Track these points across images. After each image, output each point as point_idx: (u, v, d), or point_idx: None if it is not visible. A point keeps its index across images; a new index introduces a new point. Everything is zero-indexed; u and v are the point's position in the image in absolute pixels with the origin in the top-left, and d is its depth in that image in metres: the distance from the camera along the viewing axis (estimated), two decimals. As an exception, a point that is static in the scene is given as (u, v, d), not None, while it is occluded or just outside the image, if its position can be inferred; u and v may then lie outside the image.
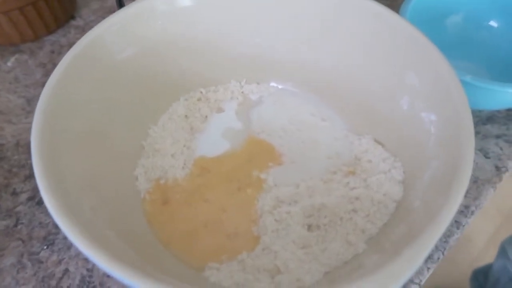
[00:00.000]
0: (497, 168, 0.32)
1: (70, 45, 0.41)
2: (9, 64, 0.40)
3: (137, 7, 0.27)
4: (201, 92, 0.32)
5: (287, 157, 0.29)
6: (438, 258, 0.27)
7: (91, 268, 0.27)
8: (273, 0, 0.29)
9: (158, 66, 0.30)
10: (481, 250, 0.95)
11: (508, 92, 0.28)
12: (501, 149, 0.33)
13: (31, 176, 0.32)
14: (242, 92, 0.33)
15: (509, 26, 0.37)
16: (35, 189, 0.31)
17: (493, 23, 0.37)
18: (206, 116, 0.31)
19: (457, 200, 0.18)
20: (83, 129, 0.25)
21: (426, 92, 0.24)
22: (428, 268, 0.27)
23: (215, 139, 0.30)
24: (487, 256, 0.93)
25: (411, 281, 0.26)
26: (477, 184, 0.31)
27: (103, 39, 0.26)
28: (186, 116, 0.31)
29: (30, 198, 0.30)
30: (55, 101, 0.22)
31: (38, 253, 0.28)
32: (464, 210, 0.29)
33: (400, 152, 0.27)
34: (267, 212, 0.26)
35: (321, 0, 0.28)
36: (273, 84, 0.33)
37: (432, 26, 0.35)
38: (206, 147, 0.30)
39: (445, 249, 0.28)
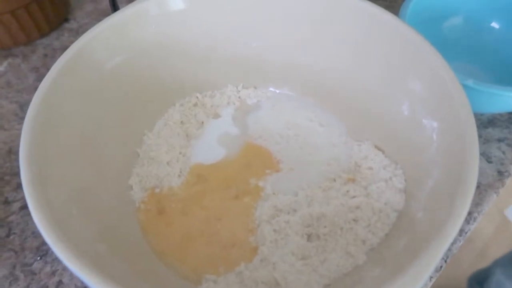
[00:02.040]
0: (500, 172, 0.31)
1: (64, 48, 0.40)
2: (1, 68, 0.39)
3: (131, 11, 0.26)
4: (197, 97, 0.32)
5: (285, 163, 0.29)
6: (441, 267, 0.27)
7: (85, 280, 0.26)
8: (269, 3, 0.28)
9: (153, 70, 0.29)
10: (481, 250, 0.95)
11: (510, 96, 0.28)
12: (503, 153, 0.32)
13: (23, 184, 0.31)
14: (239, 97, 0.32)
15: (510, 28, 0.36)
16: (28, 198, 0.30)
17: (494, 25, 0.37)
18: (202, 122, 0.31)
19: (462, 212, 0.17)
20: (74, 138, 0.24)
21: (428, 98, 0.24)
22: (431, 277, 0.26)
23: (211, 146, 0.30)
24: (487, 255, 0.93)
25: (413, 290, 0.26)
26: (480, 190, 0.30)
27: (95, 45, 0.25)
28: (181, 122, 0.30)
29: (22, 207, 0.30)
30: (45, 110, 0.22)
31: (31, 264, 0.27)
32: (467, 217, 0.29)
33: (400, 159, 0.26)
34: (265, 221, 0.25)
35: (320, 4, 0.27)
36: (270, 88, 0.33)
37: (432, 28, 0.35)
38: (202, 154, 0.29)
39: (448, 257, 0.27)
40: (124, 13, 0.26)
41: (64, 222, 0.19)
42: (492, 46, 0.36)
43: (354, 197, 0.25)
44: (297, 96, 0.32)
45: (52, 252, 0.28)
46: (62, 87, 0.23)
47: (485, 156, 0.32)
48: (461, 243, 0.28)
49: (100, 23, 0.25)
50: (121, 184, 0.27)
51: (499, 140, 0.33)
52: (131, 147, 0.29)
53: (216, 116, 0.31)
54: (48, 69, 0.38)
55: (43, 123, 0.21)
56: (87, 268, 0.16)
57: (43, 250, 0.28)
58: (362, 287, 0.19)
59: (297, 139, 0.30)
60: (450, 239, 0.17)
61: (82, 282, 0.26)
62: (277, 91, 0.32)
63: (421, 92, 0.24)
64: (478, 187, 0.30)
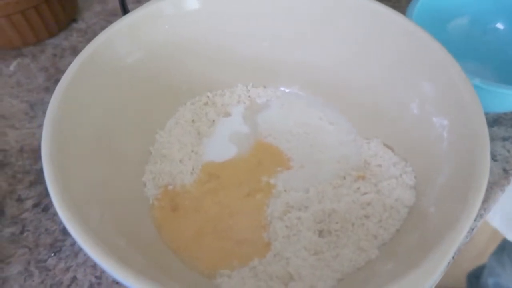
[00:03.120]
0: (505, 170, 0.32)
1: (72, 48, 0.41)
2: (11, 68, 0.39)
3: (145, 11, 0.27)
4: (208, 96, 0.32)
5: (296, 161, 0.29)
6: (448, 263, 0.27)
7: (100, 276, 0.27)
8: (280, 4, 0.29)
9: (165, 70, 0.30)
10: (481, 249, 0.95)
11: (515, 95, 0.28)
12: (508, 151, 0.33)
13: (36, 182, 0.31)
14: (249, 96, 0.33)
15: (515, 29, 0.37)
16: (41, 195, 0.30)
17: (499, 26, 0.37)
18: (213, 121, 0.31)
19: (475, 207, 0.18)
20: (91, 136, 0.24)
21: (437, 96, 0.24)
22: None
23: (222, 144, 0.30)
24: (487, 254, 0.94)
25: None
26: (485, 188, 0.31)
27: (111, 44, 0.26)
28: (193, 120, 0.31)
29: (35, 205, 0.30)
30: (64, 108, 0.22)
31: (45, 260, 0.28)
32: (473, 214, 0.29)
33: (410, 156, 0.27)
34: (277, 218, 0.26)
35: (331, 4, 0.28)
36: (280, 87, 0.33)
37: (437, 28, 0.35)
38: (213, 152, 0.30)
39: (455, 253, 0.28)
40: (139, 13, 0.26)
41: (84, 215, 0.19)
42: (497, 47, 0.37)
43: (365, 193, 0.26)
44: (307, 95, 0.32)
45: (66, 249, 0.28)
46: (80, 86, 0.24)
47: (491, 155, 0.32)
48: (468, 239, 0.29)
49: (116, 22, 0.26)
50: (136, 181, 0.28)
51: (504, 139, 0.33)
52: (144, 145, 0.29)
53: (227, 114, 0.32)
54: (57, 69, 0.39)
55: (62, 120, 0.22)
56: (110, 258, 0.17)
57: (57, 247, 0.28)
58: (375, 281, 0.19)
59: (307, 138, 0.30)
60: (463, 233, 0.17)
61: (96, 278, 0.27)
62: (287, 90, 0.33)
63: (431, 91, 0.25)
64: (484, 184, 0.31)
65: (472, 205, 0.18)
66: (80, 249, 0.28)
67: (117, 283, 0.27)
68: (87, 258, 0.28)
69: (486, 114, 0.34)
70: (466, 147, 0.21)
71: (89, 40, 0.26)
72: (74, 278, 0.27)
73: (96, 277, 0.27)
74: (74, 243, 0.28)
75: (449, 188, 0.21)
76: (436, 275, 0.16)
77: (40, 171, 0.32)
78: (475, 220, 0.29)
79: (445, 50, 0.24)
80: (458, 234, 0.17)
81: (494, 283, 0.66)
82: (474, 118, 0.21)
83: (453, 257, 0.27)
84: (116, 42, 0.26)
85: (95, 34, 0.41)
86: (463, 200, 0.18)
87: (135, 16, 0.26)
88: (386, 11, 0.26)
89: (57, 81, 0.23)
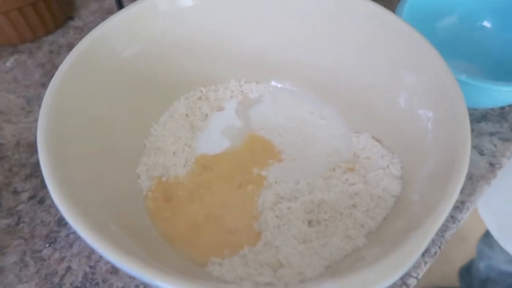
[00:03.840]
0: (491, 164, 0.32)
1: (69, 45, 0.42)
2: (8, 64, 0.40)
3: (139, 7, 0.27)
4: (201, 91, 0.33)
5: (287, 154, 0.30)
6: (435, 253, 0.28)
7: (94, 265, 0.27)
8: (273, 2, 0.30)
9: (159, 65, 0.30)
10: (474, 248, 0.96)
11: (501, 90, 0.29)
12: (495, 146, 0.33)
13: (31, 175, 0.32)
14: (242, 91, 0.33)
15: (501, 27, 0.37)
16: (36, 188, 0.31)
17: (486, 24, 0.38)
18: (207, 115, 0.32)
19: (454, 194, 0.18)
20: (86, 128, 0.25)
21: (423, 90, 0.25)
22: (426, 262, 0.27)
23: (215, 137, 0.31)
24: (481, 254, 0.94)
25: (409, 274, 0.27)
26: (472, 181, 0.31)
27: (106, 38, 0.26)
28: (187, 114, 0.32)
29: (31, 197, 0.31)
30: (58, 102, 0.23)
31: (41, 251, 0.28)
32: (460, 206, 0.30)
33: (397, 148, 0.27)
34: (268, 208, 0.26)
35: (322, 2, 0.28)
36: (272, 83, 0.34)
37: (427, 26, 0.36)
38: (207, 145, 0.30)
39: (441, 243, 0.28)
40: (134, 9, 0.27)
41: (80, 202, 0.20)
42: (485, 44, 0.38)
43: (353, 184, 0.27)
44: (299, 91, 0.33)
45: (61, 240, 0.29)
46: (75, 79, 0.24)
47: (478, 149, 0.33)
48: (454, 230, 0.30)
49: (111, 17, 0.27)
50: (130, 173, 0.28)
51: (491, 134, 0.34)
52: (138, 138, 0.30)
53: (220, 109, 0.33)
54: (53, 65, 0.40)
55: (58, 112, 0.22)
56: (107, 243, 0.17)
57: (51, 238, 0.29)
58: (361, 264, 0.20)
59: (299, 131, 0.31)
60: (441, 219, 0.18)
61: (90, 267, 0.27)
62: (279, 86, 0.34)
63: (418, 86, 0.26)
64: (470, 178, 0.32)
65: (452, 192, 0.18)
66: (75, 240, 0.28)
67: (111, 272, 0.27)
68: (82, 249, 0.28)
69: (474, 110, 0.36)
70: (448, 138, 0.21)
71: (85, 38, 0.26)
72: (68, 268, 0.27)
73: (90, 266, 0.27)
74: (68, 234, 0.29)
75: (432, 178, 0.22)
76: (416, 256, 0.17)
77: (36, 164, 0.32)
78: (461, 212, 0.30)
79: (430, 45, 0.25)
80: (437, 218, 0.18)
81: (486, 265, 0.67)
82: (457, 110, 0.22)
83: (439, 247, 0.28)
84: (110, 37, 0.26)
85: (91, 31, 0.42)
86: (444, 188, 0.19)
87: (130, 11, 0.27)
88: (376, 8, 0.27)
89: (53, 77, 0.24)
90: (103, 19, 0.46)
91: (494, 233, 0.55)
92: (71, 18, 0.44)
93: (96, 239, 0.17)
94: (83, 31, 0.43)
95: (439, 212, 0.18)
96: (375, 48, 0.28)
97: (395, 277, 0.17)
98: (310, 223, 0.26)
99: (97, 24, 0.27)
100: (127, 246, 0.19)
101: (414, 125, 0.25)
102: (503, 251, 0.60)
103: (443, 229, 0.29)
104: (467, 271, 0.76)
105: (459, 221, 0.30)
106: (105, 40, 0.26)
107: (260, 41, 0.32)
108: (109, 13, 0.44)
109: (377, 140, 0.29)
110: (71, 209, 0.18)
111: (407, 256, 0.17)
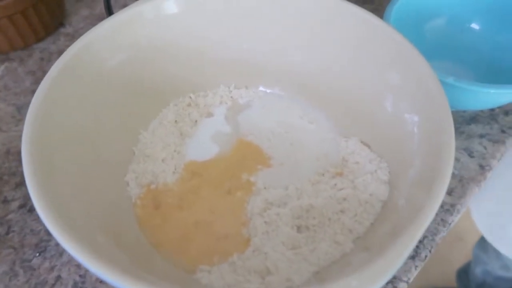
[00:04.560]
0: (481, 167, 0.32)
1: (60, 52, 0.42)
2: (-2, 72, 0.40)
3: (125, 15, 0.27)
4: (191, 97, 0.33)
5: (276, 159, 0.30)
6: (426, 256, 0.28)
7: (84, 274, 0.27)
8: (260, 6, 0.30)
9: (147, 72, 0.30)
10: (471, 249, 0.97)
11: (490, 92, 0.29)
12: (485, 148, 0.34)
13: (22, 183, 0.32)
14: (231, 97, 0.33)
15: (490, 28, 0.38)
16: (26, 197, 0.31)
17: (474, 26, 0.38)
18: (196, 121, 0.32)
19: (438, 197, 0.18)
20: (74, 136, 0.25)
21: (409, 94, 0.25)
22: (416, 266, 0.27)
23: (204, 144, 0.31)
24: (478, 254, 0.95)
25: (399, 279, 0.27)
26: (462, 183, 0.31)
27: (92, 47, 0.26)
28: (176, 121, 0.32)
29: (21, 206, 0.31)
30: (45, 110, 0.23)
31: (30, 260, 0.28)
32: (450, 209, 0.30)
33: (385, 152, 0.27)
34: (257, 214, 0.26)
35: (307, 5, 0.29)
36: (261, 88, 0.34)
37: (416, 29, 0.36)
38: (196, 151, 0.30)
39: (432, 247, 0.28)
40: (120, 16, 0.27)
41: (66, 214, 0.19)
42: (473, 46, 0.38)
43: (341, 189, 0.27)
44: (287, 95, 0.33)
45: (51, 249, 0.28)
46: (62, 87, 0.24)
47: (468, 151, 0.33)
48: (445, 234, 0.30)
49: (97, 25, 0.27)
50: (118, 181, 0.28)
51: (481, 136, 0.34)
52: (127, 146, 0.30)
53: (209, 115, 0.33)
54: (44, 73, 0.39)
55: (44, 120, 0.22)
56: (91, 256, 0.17)
57: (41, 247, 0.29)
58: (349, 270, 0.20)
59: (287, 136, 0.31)
60: (426, 222, 0.18)
61: (80, 276, 0.27)
62: (268, 91, 0.34)
63: (404, 90, 0.26)
64: (460, 180, 0.32)
65: (436, 195, 0.18)
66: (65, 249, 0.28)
67: (101, 281, 0.27)
68: (72, 258, 0.28)
69: (464, 112, 0.36)
70: (433, 142, 0.22)
71: (76, 45, 0.26)
72: (58, 277, 0.27)
73: (80, 276, 0.27)
74: (58, 243, 0.29)
75: (417, 181, 0.22)
76: (401, 261, 0.17)
77: (26, 172, 0.32)
78: (451, 214, 0.30)
79: (416, 50, 0.25)
80: (422, 222, 0.18)
81: (482, 270, 0.67)
82: (441, 114, 0.22)
83: (430, 251, 0.28)
84: (97, 44, 0.26)
85: (82, 38, 0.42)
86: (428, 191, 0.19)
87: (117, 19, 0.27)
88: (363, 14, 0.27)
89: (39, 86, 0.24)
90: (94, 25, 0.45)
91: (487, 236, 0.55)
92: (61, 25, 0.44)
93: (79, 251, 0.17)
94: (74, 38, 0.43)
95: (423, 216, 0.18)
96: (362, 53, 0.28)
97: (381, 283, 0.17)
98: (298, 228, 0.26)
99: (87, 30, 0.27)
100: (113, 257, 0.19)
101: (400, 129, 0.25)
102: (498, 256, 0.60)
103: (434, 232, 0.29)
104: (464, 273, 0.76)
105: (450, 224, 0.30)
106: (92, 48, 0.26)
107: (248, 47, 0.32)
108: (100, 19, 0.44)
109: (366, 145, 0.29)
110: (55, 221, 0.18)
111: (392, 262, 0.17)
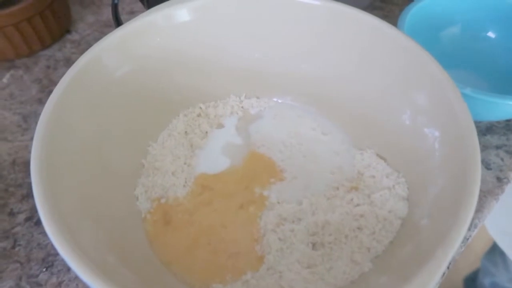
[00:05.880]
0: (499, 179, 0.32)
1: (66, 59, 0.41)
2: (4, 80, 0.39)
3: (137, 24, 0.27)
4: (201, 108, 0.32)
5: (289, 172, 0.29)
6: (443, 274, 0.27)
7: (92, 291, 0.27)
8: (272, 15, 0.29)
9: (157, 82, 0.30)
10: (479, 254, 0.96)
11: (507, 104, 0.28)
12: (502, 159, 0.33)
13: (28, 195, 0.31)
14: (242, 107, 0.33)
15: (506, 37, 0.37)
16: (33, 209, 0.30)
17: (490, 34, 0.37)
18: (206, 132, 0.31)
19: (467, 219, 0.18)
20: (82, 149, 0.24)
21: (429, 107, 0.24)
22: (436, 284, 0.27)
23: (215, 156, 0.30)
24: (485, 260, 0.94)
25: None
26: (480, 197, 0.30)
27: (102, 58, 0.26)
28: (186, 132, 0.31)
29: (28, 219, 0.30)
30: (54, 124, 0.22)
31: (37, 275, 0.27)
32: (468, 223, 0.29)
33: (403, 167, 0.27)
34: (271, 230, 0.26)
35: (321, 14, 0.28)
36: (273, 98, 0.33)
37: (430, 37, 0.36)
38: (206, 164, 0.30)
39: (450, 263, 0.28)
40: (131, 26, 0.26)
41: (74, 233, 0.19)
42: (489, 55, 0.37)
43: (358, 205, 0.26)
44: (300, 106, 0.32)
45: (58, 263, 0.28)
46: (71, 99, 0.24)
47: (484, 163, 0.33)
48: (463, 249, 0.29)
49: (108, 35, 0.26)
50: (128, 195, 0.27)
51: (497, 147, 0.33)
52: (136, 158, 0.29)
53: (220, 126, 0.32)
54: (50, 81, 0.39)
55: (53, 135, 0.22)
56: (99, 278, 0.17)
57: (48, 261, 0.28)
58: (369, 294, 0.19)
59: (300, 148, 0.30)
60: (455, 247, 0.17)
61: (88, 293, 0.26)
62: (280, 101, 0.33)
63: (422, 102, 0.25)
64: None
65: (464, 219, 0.18)
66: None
67: (110, 298, 0.26)
68: (79, 273, 0.27)
69: (479, 122, 0.35)
70: (457, 158, 0.21)
71: (82, 51, 0.26)
72: (66, 293, 0.27)
73: (88, 292, 0.27)
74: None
75: (441, 200, 0.21)
76: (429, 289, 0.16)
77: (33, 184, 0.32)
78: (469, 229, 0.29)
79: (436, 62, 0.24)
80: (449, 248, 0.17)
81: (491, 283, 0.66)
82: (465, 129, 0.21)
83: (448, 267, 0.27)
84: (107, 55, 0.26)
85: (88, 45, 0.41)
86: (455, 213, 0.18)
87: (127, 29, 0.26)
88: (379, 24, 0.26)
89: (50, 92, 0.23)
90: (100, 32, 0.45)
91: (500, 243, 0.54)
92: (68, 31, 0.43)
93: (88, 274, 0.17)
94: (80, 45, 0.42)
95: (451, 240, 0.17)
96: (376, 63, 0.27)
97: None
98: (314, 245, 0.25)
99: (94, 37, 0.26)
100: (120, 276, 0.18)
101: (420, 144, 0.24)
102: (506, 269, 0.60)
103: (451, 248, 0.28)
104: (472, 281, 0.76)
105: (467, 239, 0.29)
106: (101, 59, 0.26)
107: (259, 56, 0.31)
108: (106, 26, 0.44)
109: (382, 158, 0.28)
110: (62, 240, 0.18)
111: (418, 290, 0.16)
